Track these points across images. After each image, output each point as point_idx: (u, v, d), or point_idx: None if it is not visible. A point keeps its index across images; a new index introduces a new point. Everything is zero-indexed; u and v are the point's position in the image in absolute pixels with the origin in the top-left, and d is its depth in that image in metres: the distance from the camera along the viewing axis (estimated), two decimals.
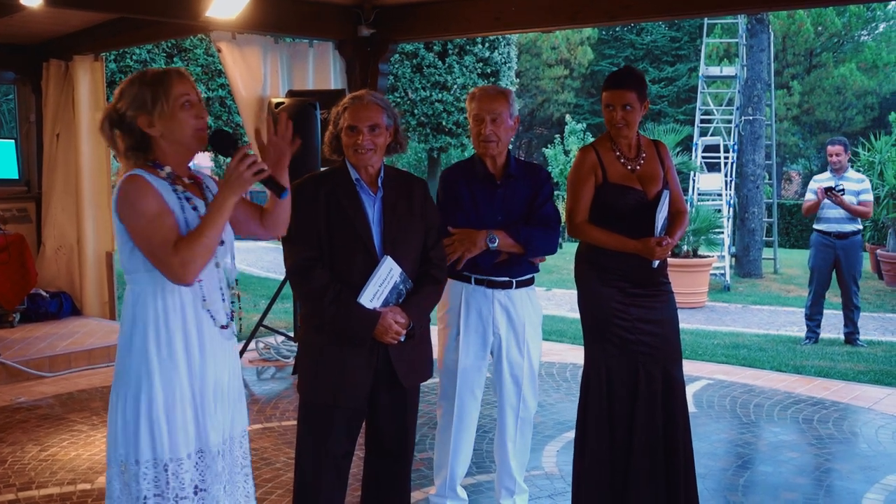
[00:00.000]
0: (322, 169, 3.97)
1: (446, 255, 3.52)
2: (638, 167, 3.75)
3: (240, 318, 2.79)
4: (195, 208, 2.62)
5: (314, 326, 3.21)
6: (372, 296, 3.10)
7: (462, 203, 3.72)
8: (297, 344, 5.00)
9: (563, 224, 4.07)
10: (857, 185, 8.25)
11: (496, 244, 3.64)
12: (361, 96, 3.22)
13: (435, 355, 3.51)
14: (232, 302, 2.73)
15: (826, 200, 8.20)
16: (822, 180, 8.39)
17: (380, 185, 3.22)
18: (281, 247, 3.31)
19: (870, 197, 8.31)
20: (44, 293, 8.01)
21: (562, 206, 4.02)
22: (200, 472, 2.62)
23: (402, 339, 3.16)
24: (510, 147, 3.81)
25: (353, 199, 3.17)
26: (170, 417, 2.54)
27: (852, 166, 9.61)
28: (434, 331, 3.54)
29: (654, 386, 3.67)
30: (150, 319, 2.55)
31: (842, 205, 8.11)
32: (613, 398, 3.70)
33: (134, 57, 12.67)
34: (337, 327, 3.12)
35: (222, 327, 2.68)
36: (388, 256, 3.12)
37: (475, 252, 3.64)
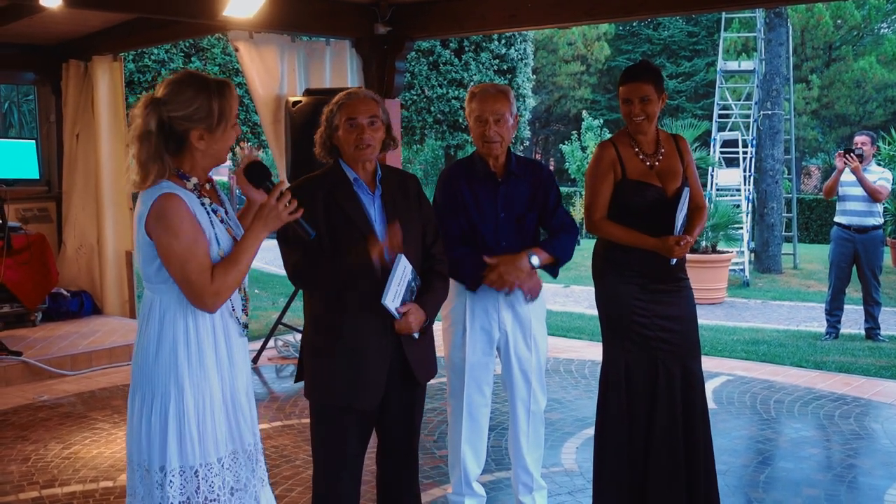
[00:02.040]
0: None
1: (492, 285, 3.59)
2: (657, 163, 3.73)
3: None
4: (222, 220, 2.61)
5: (323, 327, 3.17)
6: (393, 296, 3.08)
7: (464, 202, 3.72)
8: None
9: (580, 221, 4.07)
10: (877, 175, 8.20)
11: (539, 263, 3.66)
12: (356, 92, 3.18)
13: (439, 353, 3.51)
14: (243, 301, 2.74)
15: (844, 187, 8.17)
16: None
17: (378, 183, 3.18)
18: None
19: (887, 185, 8.24)
20: (65, 292, 8.09)
21: (580, 203, 4.03)
22: (234, 473, 2.61)
23: (416, 336, 3.16)
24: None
25: (353, 200, 3.12)
26: (201, 425, 2.52)
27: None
28: (437, 328, 3.53)
29: (674, 382, 3.66)
30: (181, 332, 2.53)
31: (857, 173, 8.05)
32: (632, 395, 3.69)
33: (152, 57, 12.73)
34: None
35: (245, 326, 2.69)
36: (402, 255, 3.09)
37: (525, 278, 3.63)
